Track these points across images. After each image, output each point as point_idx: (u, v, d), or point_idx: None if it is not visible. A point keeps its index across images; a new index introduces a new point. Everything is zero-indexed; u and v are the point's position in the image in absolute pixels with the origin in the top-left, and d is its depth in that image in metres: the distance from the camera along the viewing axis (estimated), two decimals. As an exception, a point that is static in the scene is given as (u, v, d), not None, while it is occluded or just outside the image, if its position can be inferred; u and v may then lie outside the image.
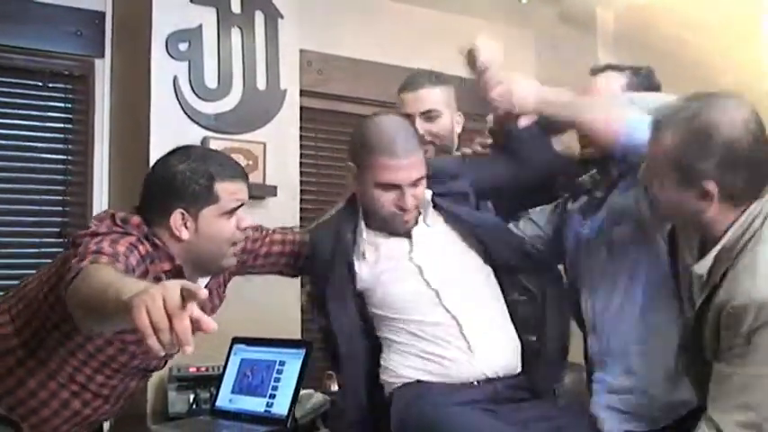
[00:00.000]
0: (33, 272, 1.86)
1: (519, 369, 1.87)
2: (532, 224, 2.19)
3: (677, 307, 1.79)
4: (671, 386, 1.81)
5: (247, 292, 2.38)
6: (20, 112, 2.97)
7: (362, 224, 1.91)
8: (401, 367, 1.84)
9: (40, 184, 2.99)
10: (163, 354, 1.17)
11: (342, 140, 3.39)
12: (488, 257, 1.93)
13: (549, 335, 1.91)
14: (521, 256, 1.96)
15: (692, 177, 1.54)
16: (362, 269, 1.90)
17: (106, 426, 2.28)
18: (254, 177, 2.81)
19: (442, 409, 1.71)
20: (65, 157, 3.03)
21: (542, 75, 3.26)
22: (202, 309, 1.17)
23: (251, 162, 2.90)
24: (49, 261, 1.85)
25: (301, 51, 3.18)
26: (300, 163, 3.15)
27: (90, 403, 1.80)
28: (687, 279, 1.71)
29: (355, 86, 3.51)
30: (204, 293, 1.17)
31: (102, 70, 3.05)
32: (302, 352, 2.12)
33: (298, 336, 2.91)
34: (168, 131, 2.76)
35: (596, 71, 2.09)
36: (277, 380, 2.12)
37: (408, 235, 1.90)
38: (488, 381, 1.80)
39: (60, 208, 3.01)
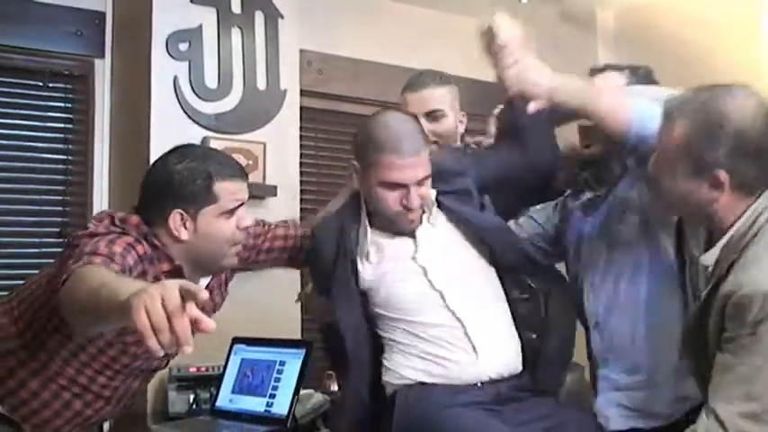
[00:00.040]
0: (33, 272, 1.86)
1: (520, 368, 1.86)
2: (533, 222, 2.20)
3: (682, 301, 1.79)
4: (677, 380, 1.81)
5: (247, 292, 2.38)
6: (20, 112, 2.97)
7: (366, 223, 1.89)
8: (403, 368, 1.83)
9: (40, 184, 2.98)
10: (162, 354, 1.16)
11: (342, 140, 3.41)
12: (492, 257, 1.91)
13: (551, 333, 1.90)
14: (524, 256, 1.95)
15: (703, 166, 1.54)
16: (366, 269, 1.88)
17: (106, 426, 2.29)
18: (254, 177, 2.82)
19: (445, 410, 1.70)
20: (65, 157, 3.02)
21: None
22: (203, 308, 1.17)
23: (251, 162, 2.90)
24: (49, 261, 1.86)
25: (301, 51, 3.18)
26: (300, 163, 3.15)
27: (92, 404, 1.79)
28: (693, 271, 1.70)
29: (355, 86, 3.51)
30: (205, 295, 1.17)
31: (102, 70, 3.05)
32: (302, 352, 2.13)
33: (298, 336, 2.90)
34: (168, 131, 2.76)
35: (595, 71, 2.09)
36: (277, 380, 2.12)
37: (413, 235, 1.88)
38: (491, 382, 1.80)
39: (60, 208, 3.01)
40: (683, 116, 1.57)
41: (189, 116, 2.86)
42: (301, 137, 3.15)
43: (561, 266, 2.18)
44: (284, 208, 2.96)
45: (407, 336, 1.83)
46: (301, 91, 3.15)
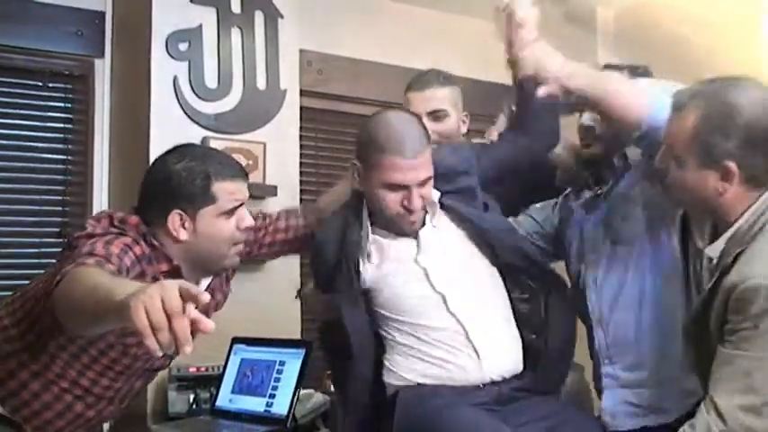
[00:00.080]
0: (33, 272, 1.85)
1: (522, 368, 1.86)
2: (532, 220, 2.20)
3: (686, 294, 1.79)
4: (683, 375, 1.80)
5: (247, 291, 2.38)
6: (20, 112, 2.97)
7: (368, 224, 1.88)
8: (404, 370, 1.82)
9: (40, 184, 2.98)
10: (161, 354, 1.16)
11: (342, 140, 3.41)
12: (495, 258, 1.90)
13: (551, 333, 1.89)
14: (524, 257, 1.92)
15: (713, 157, 1.54)
16: (367, 270, 1.86)
17: (106, 426, 2.28)
18: (254, 177, 2.81)
19: (446, 410, 1.69)
20: (65, 157, 3.02)
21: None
22: (206, 307, 1.16)
23: (251, 162, 2.90)
24: (49, 261, 1.85)
25: (301, 51, 3.17)
26: (300, 163, 3.14)
27: (94, 406, 1.78)
28: (697, 264, 1.70)
29: (355, 86, 3.51)
30: (206, 298, 1.17)
31: (102, 70, 3.05)
32: (302, 352, 2.13)
33: (298, 336, 2.90)
34: (168, 131, 2.75)
35: None
36: (277, 380, 2.12)
37: (415, 236, 1.86)
38: (493, 383, 1.79)
39: (60, 208, 3.01)
40: (693, 107, 1.57)
41: (189, 116, 2.86)
42: (301, 137, 3.15)
43: (561, 266, 2.18)
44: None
45: (409, 337, 1.82)
46: (301, 91, 3.15)
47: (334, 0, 3.49)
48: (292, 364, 2.12)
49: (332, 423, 2.40)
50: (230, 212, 1.77)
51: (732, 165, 1.53)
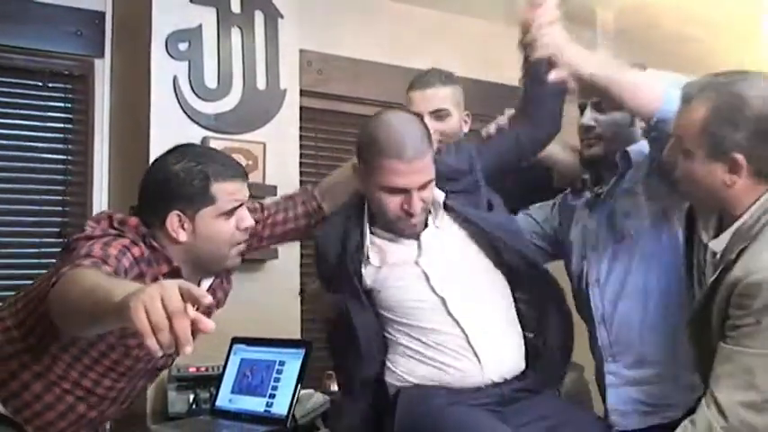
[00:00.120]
0: (33, 272, 1.85)
1: (524, 367, 1.85)
2: (531, 220, 2.21)
3: (689, 290, 1.78)
4: (688, 370, 1.80)
5: (247, 291, 2.37)
6: (20, 112, 2.97)
7: (367, 227, 1.87)
8: (405, 371, 1.82)
9: (40, 184, 2.98)
10: (161, 354, 1.16)
11: (342, 140, 3.41)
12: (499, 259, 1.88)
13: (549, 332, 1.89)
14: (527, 259, 1.91)
15: (722, 149, 1.55)
16: (368, 272, 1.86)
17: (106, 426, 2.28)
18: (254, 177, 2.81)
19: (447, 409, 1.69)
20: (65, 157, 3.02)
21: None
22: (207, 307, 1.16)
23: (251, 162, 2.90)
24: (49, 261, 1.85)
25: (301, 51, 3.17)
26: (300, 163, 3.14)
27: (97, 406, 1.77)
28: (701, 258, 1.70)
29: (355, 86, 3.51)
30: (209, 301, 1.16)
31: (102, 70, 3.05)
32: (302, 352, 2.12)
33: (298, 336, 2.90)
34: (168, 131, 2.75)
35: None
36: (277, 380, 2.12)
37: (417, 238, 1.84)
38: (494, 385, 1.78)
39: (60, 208, 3.01)
40: (703, 99, 1.57)
41: (189, 116, 2.86)
42: (301, 137, 3.15)
43: (559, 266, 2.18)
44: (284, 208, 2.96)
45: (410, 339, 1.82)
46: (301, 91, 3.15)
47: (334, 0, 3.49)
48: (292, 364, 2.12)
49: (332, 423, 2.39)
50: (230, 213, 1.76)
51: (740, 157, 1.53)
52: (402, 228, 1.83)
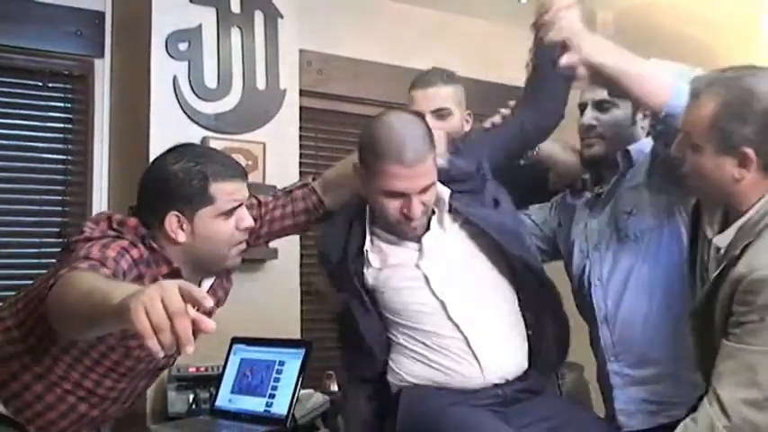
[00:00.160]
0: (33, 272, 1.84)
1: (526, 367, 1.84)
2: (530, 221, 2.20)
3: (692, 287, 1.77)
4: (692, 367, 1.78)
5: (247, 291, 2.37)
6: (20, 112, 2.97)
7: (368, 229, 1.86)
8: (407, 372, 1.82)
9: (40, 184, 2.98)
10: (162, 355, 1.15)
11: (342, 140, 3.41)
12: (502, 259, 1.86)
13: (546, 331, 1.88)
14: (525, 259, 1.88)
15: (731, 143, 1.54)
16: (370, 272, 1.85)
17: (106, 426, 2.28)
18: (254, 177, 2.81)
19: (449, 408, 1.69)
20: (65, 157, 3.03)
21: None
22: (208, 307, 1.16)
23: (251, 162, 2.90)
24: (49, 261, 1.84)
25: (301, 51, 3.17)
26: (300, 163, 3.14)
27: (98, 406, 1.77)
28: (705, 253, 1.70)
29: (355, 86, 3.51)
30: (210, 303, 1.16)
31: (102, 70, 3.05)
32: (302, 352, 2.12)
33: (298, 336, 2.90)
34: (168, 131, 2.75)
35: None
36: (277, 380, 2.12)
37: (418, 240, 1.83)
38: (496, 386, 1.78)
39: (60, 208, 3.01)
40: (712, 94, 1.56)
41: (188, 116, 2.86)
42: (301, 137, 3.15)
43: (559, 266, 2.18)
44: (284, 208, 2.96)
45: (412, 341, 1.82)
46: (301, 91, 3.15)
47: (334, 0, 3.49)
48: (292, 364, 2.12)
49: (332, 423, 2.39)
50: (229, 213, 1.75)
51: (750, 151, 1.53)
52: (402, 231, 1.82)
